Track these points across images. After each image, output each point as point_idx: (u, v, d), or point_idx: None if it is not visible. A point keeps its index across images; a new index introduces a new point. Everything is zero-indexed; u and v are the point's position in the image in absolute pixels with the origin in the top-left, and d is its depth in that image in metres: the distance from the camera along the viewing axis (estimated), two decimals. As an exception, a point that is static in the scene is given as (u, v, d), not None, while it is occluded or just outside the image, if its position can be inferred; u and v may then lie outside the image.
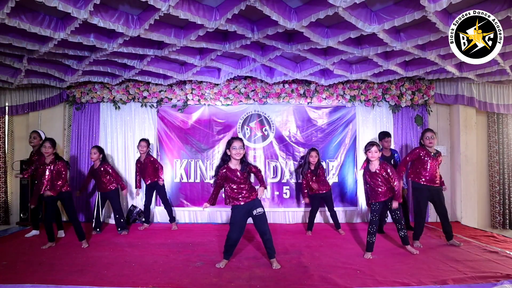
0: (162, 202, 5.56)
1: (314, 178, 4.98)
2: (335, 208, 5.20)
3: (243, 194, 3.50)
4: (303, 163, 5.20)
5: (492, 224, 6.23)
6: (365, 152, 3.99)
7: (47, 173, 4.24)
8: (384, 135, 5.18)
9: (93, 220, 5.22)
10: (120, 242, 4.60)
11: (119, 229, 5.09)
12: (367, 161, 4.02)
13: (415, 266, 3.55)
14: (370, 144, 3.95)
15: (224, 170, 3.47)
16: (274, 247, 3.63)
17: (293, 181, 6.03)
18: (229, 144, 3.49)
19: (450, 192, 5.98)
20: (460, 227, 5.57)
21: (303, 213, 5.97)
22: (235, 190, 3.50)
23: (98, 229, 5.15)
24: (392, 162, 5.02)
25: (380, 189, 3.92)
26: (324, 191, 4.99)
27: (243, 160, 3.54)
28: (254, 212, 3.50)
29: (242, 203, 3.50)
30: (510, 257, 3.84)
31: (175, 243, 4.57)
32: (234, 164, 3.51)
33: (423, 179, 4.26)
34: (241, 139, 3.53)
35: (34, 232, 4.98)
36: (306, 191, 5.09)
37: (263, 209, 3.56)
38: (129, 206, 5.96)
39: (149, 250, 4.22)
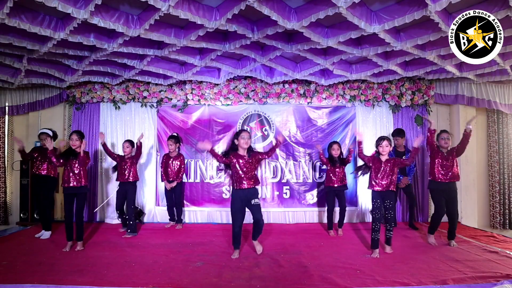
0: (176, 201, 5.58)
1: (334, 169, 5.06)
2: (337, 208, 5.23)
3: (245, 181, 3.86)
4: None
5: (492, 224, 6.22)
6: (376, 147, 4.00)
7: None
8: (397, 134, 5.29)
9: (119, 219, 5.12)
10: (120, 242, 4.60)
11: (128, 230, 4.92)
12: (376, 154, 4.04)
13: (415, 266, 3.55)
14: (381, 138, 3.97)
15: (232, 156, 3.87)
16: (261, 232, 4.03)
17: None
18: (237, 135, 3.90)
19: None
20: (460, 227, 5.54)
21: (303, 213, 5.97)
22: (240, 175, 3.86)
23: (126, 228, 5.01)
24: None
25: (381, 178, 3.93)
26: (338, 185, 5.04)
27: (250, 149, 3.96)
28: (252, 202, 3.89)
29: (244, 187, 3.84)
30: (510, 257, 3.85)
31: (175, 243, 4.57)
32: (241, 152, 3.91)
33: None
34: (248, 131, 4.06)
35: (46, 233, 4.75)
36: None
37: (259, 200, 3.99)
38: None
39: (149, 250, 4.22)
